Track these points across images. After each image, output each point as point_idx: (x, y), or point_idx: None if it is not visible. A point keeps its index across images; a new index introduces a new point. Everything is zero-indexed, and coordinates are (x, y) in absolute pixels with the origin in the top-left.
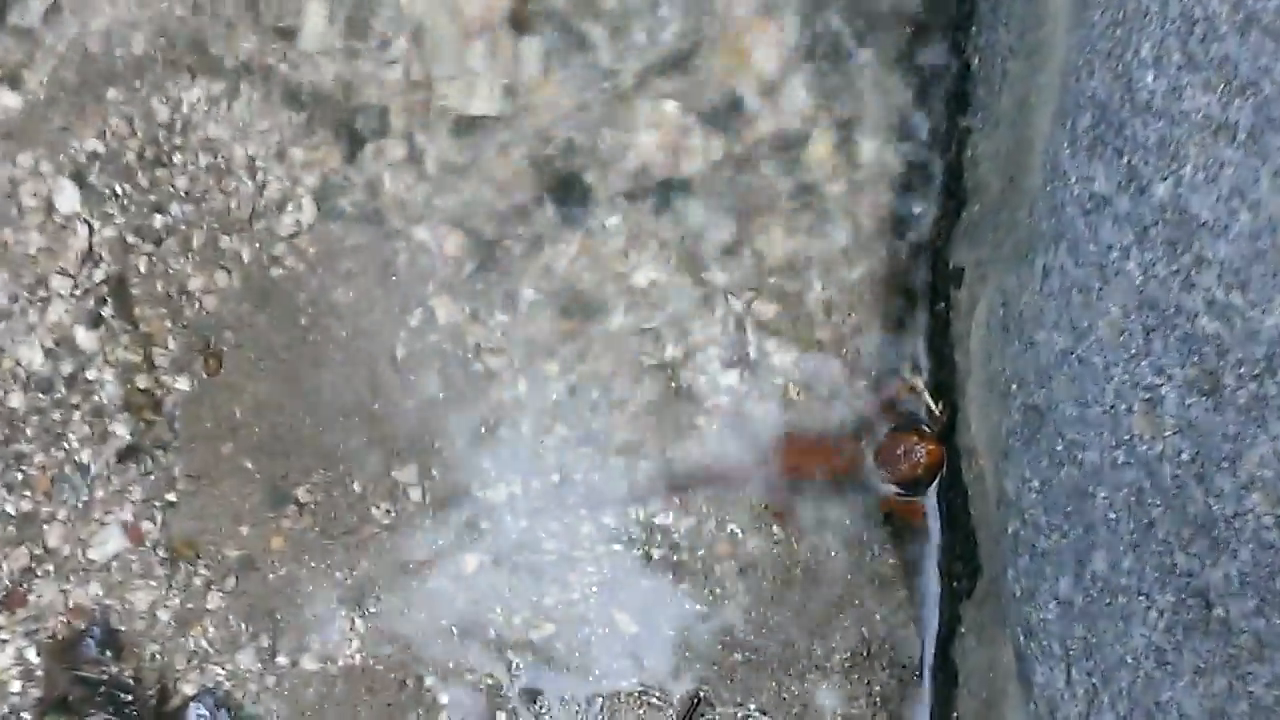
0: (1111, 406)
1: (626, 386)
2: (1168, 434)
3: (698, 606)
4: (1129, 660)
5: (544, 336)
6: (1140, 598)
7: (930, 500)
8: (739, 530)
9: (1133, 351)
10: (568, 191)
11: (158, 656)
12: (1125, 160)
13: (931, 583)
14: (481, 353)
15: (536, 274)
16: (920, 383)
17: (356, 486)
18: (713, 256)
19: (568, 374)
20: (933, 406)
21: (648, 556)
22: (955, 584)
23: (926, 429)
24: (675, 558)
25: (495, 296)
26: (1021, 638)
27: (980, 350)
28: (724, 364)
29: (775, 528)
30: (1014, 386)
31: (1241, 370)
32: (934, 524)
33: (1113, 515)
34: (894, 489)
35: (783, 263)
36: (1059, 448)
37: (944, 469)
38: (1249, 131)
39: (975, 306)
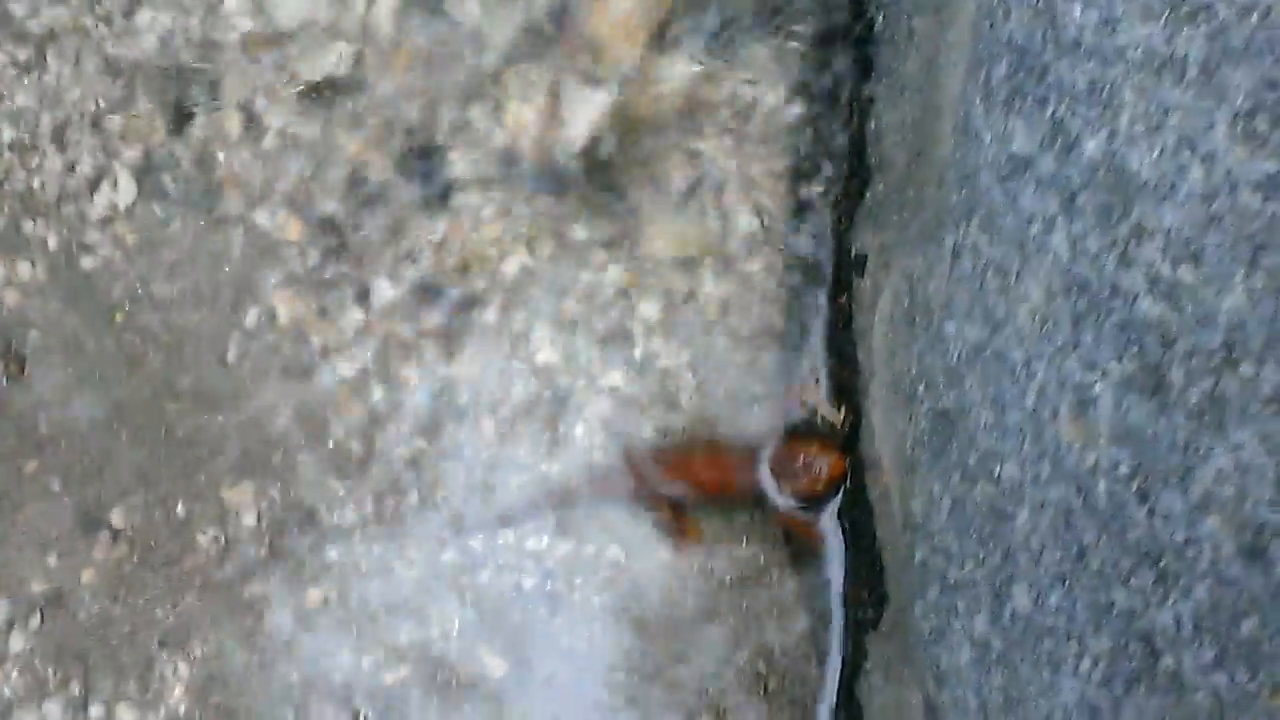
0: (1034, 410)
1: (497, 391)
2: (1102, 443)
3: (577, 644)
4: (1057, 718)
5: (403, 336)
6: (1070, 642)
7: (831, 519)
8: (622, 554)
9: (1059, 343)
10: (430, 169)
11: None
12: (1049, 113)
13: (835, 612)
14: (330, 355)
15: (394, 263)
16: (818, 387)
17: (180, 510)
18: (594, 246)
19: (430, 378)
20: (832, 414)
21: (519, 586)
22: (860, 614)
23: (828, 438)
24: (550, 587)
25: (347, 290)
26: (931, 684)
27: (883, 347)
28: (606, 366)
29: (662, 550)
30: (920, 388)
31: (1192, 363)
32: (836, 545)
33: (1036, 541)
34: (793, 503)
35: (671, 253)
36: (972, 461)
37: (847, 483)
38: (1201, 67)
39: (879, 297)
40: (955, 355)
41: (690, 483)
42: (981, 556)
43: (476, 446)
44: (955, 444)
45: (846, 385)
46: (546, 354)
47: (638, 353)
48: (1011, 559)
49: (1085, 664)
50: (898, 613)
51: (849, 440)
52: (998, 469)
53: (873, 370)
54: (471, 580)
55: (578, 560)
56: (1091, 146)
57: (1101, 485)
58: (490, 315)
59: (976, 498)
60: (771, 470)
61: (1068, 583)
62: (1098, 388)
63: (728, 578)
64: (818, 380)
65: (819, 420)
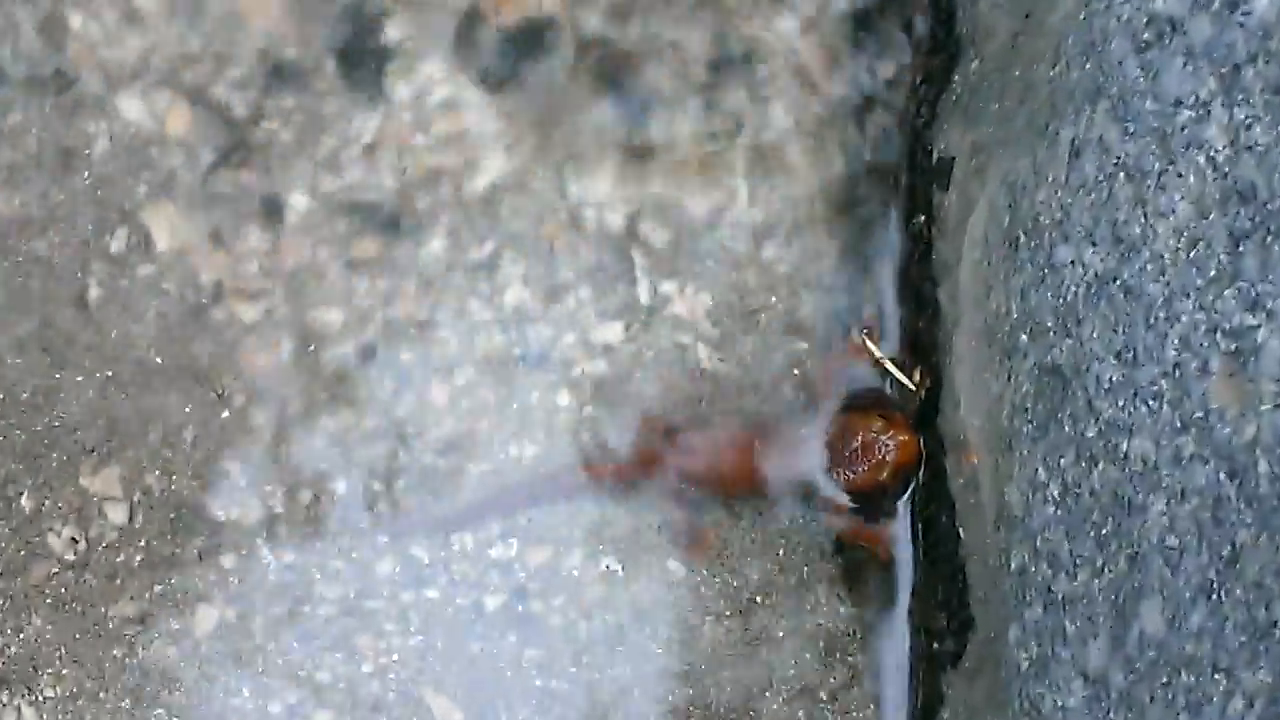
0: (1175, 365)
1: (451, 348)
2: (1265, 409)
3: (554, 683)
4: None
5: (324, 269)
6: (1217, 675)
7: (901, 519)
8: (618, 566)
9: (1211, 274)
10: (362, 44)
11: None
12: None
13: (901, 644)
14: (226, 296)
15: (313, 171)
16: (883, 341)
17: (25, 502)
18: (583, 146)
19: (360, 328)
20: (902, 377)
21: (479, 607)
22: (935, 645)
23: (895, 410)
24: (521, 608)
25: (249, 207)
26: None
27: (974, 283)
28: (599, 314)
29: (674, 562)
30: (1023, 337)
31: None
32: (905, 555)
33: (1173, 541)
34: (848, 501)
35: (685, 159)
36: (1090, 433)
37: (921, 470)
38: None
39: (969, 215)
40: (1071, 291)
41: (710, 473)
42: (1100, 563)
43: (424, 422)
44: (1068, 411)
45: (922, 338)
46: (518, 296)
47: (642, 295)
48: (1141, 565)
49: (1237, 704)
50: (985, 643)
51: (924, 413)
52: (1124, 445)
53: (958, 316)
54: (416, 599)
55: (558, 574)
56: (1264, 4)
57: (1263, 465)
58: (440, 243)
59: (1095, 484)
60: (825, 455)
61: (1215, 596)
62: (1261, 334)
63: (759, 599)
64: (883, 333)
65: (885, 387)
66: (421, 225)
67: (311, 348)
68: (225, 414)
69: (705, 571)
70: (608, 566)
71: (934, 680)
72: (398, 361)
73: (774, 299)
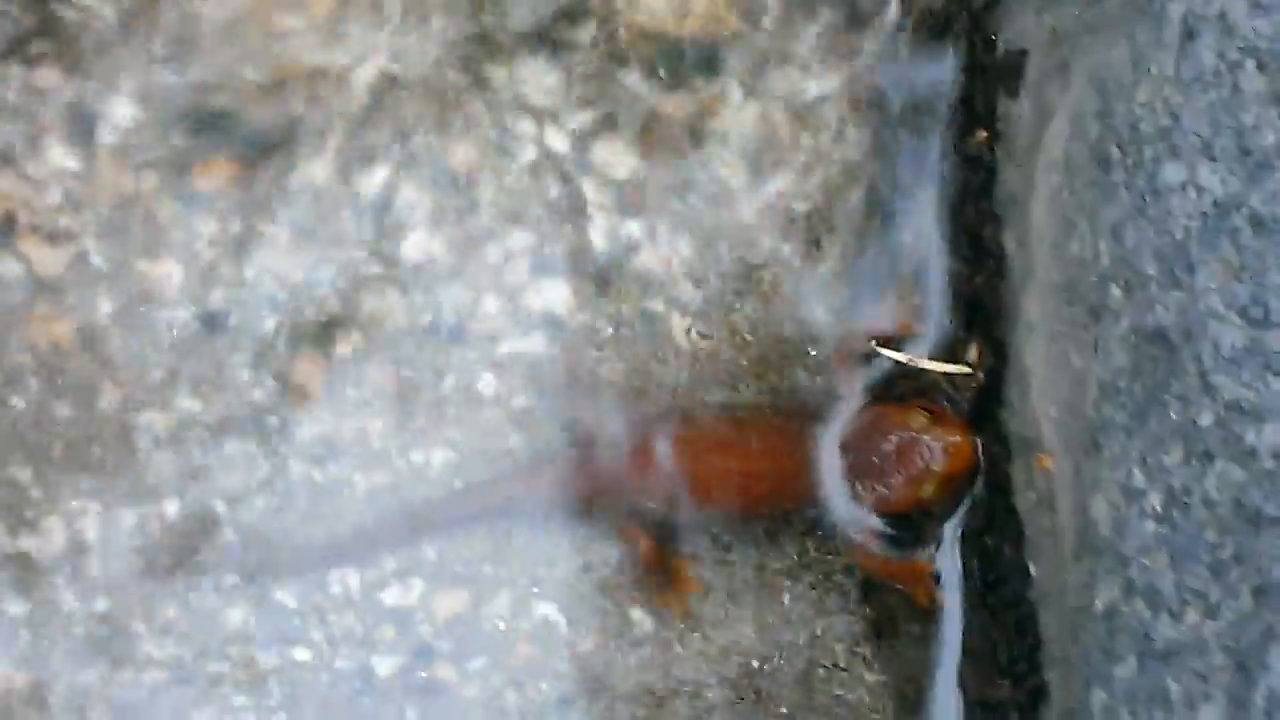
0: None
1: (330, 315)
2: None
3: None
4: None
5: (153, 199)
6: None
7: (948, 551)
8: (559, 617)
9: None
10: None
11: None
12: None
13: (948, 716)
14: (16, 232)
15: (141, 65)
16: (926, 305)
17: None
18: (518, 30)
19: (205, 288)
20: (952, 357)
21: (366, 673)
22: (994, 718)
23: (943, 401)
24: (425, 675)
25: (50, 115)
26: None
27: (1052, 220)
28: (536, 270)
29: (637, 611)
30: (1116, 291)
31: None
32: (954, 601)
33: None
34: (877, 526)
35: (661, 42)
36: (1205, 420)
37: (977, 484)
38: None
39: (1044, 129)
40: (1181, 225)
41: (689, 489)
42: (1216, 599)
43: (292, 416)
44: (1175, 391)
45: (981, 300)
46: (423, 245)
47: (597, 242)
48: (1271, 601)
49: None
50: (1064, 714)
51: (983, 406)
52: (1251, 435)
53: (1029, 268)
54: (280, 662)
55: (477, 628)
56: None
57: None
58: (321, 168)
59: (1211, 490)
60: (842, 463)
61: None
62: None
63: (754, 664)
64: (926, 294)
65: (927, 369)
66: (290, 143)
67: (140, 310)
68: (16, 403)
69: (680, 626)
70: (546, 617)
71: None
72: (256, 332)
73: (781, 249)
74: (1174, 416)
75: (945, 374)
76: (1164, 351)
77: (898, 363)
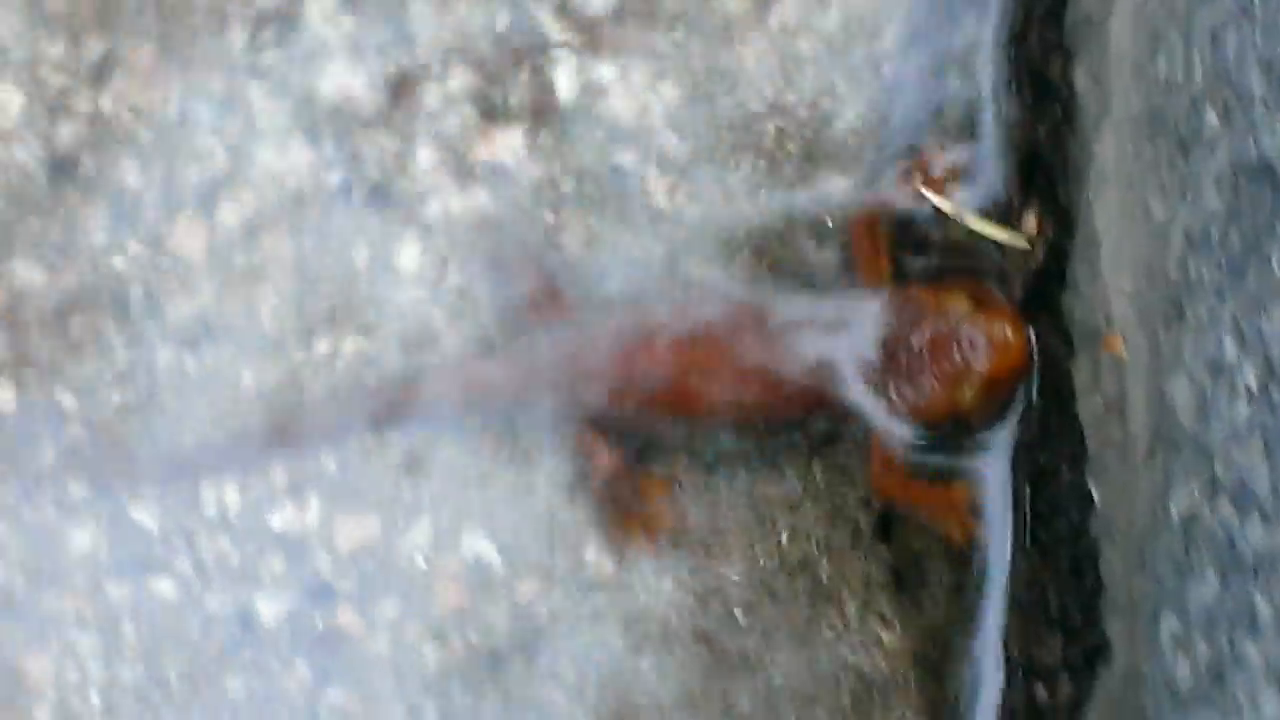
0: None
1: (211, 157)
2: None
3: None
4: None
5: None
6: None
7: (993, 472)
8: (494, 552)
9: None
10: None
11: None
12: None
13: (986, 691)
14: None
15: None
16: (972, 157)
17: None
18: None
19: (62, 112)
20: (999, 233)
21: (246, 615)
22: (1043, 692)
23: (990, 282)
24: (321, 621)
25: None
26: None
27: (1134, 37)
28: (483, 115)
29: (593, 548)
30: (1212, 117)
31: None
32: (999, 537)
33: None
34: (904, 438)
35: None
36: None
37: (1028, 384)
38: None
39: None
40: None
41: (666, 385)
42: None
43: (159, 286)
44: None
45: (1042, 154)
46: (337, 80)
47: (560, 81)
48: None
49: None
50: (1127, 682)
51: (1040, 289)
52: None
53: (1105, 104)
54: (135, 596)
55: (390, 561)
56: None
57: None
58: None
59: None
60: (861, 360)
61: None
62: None
63: (739, 615)
64: (975, 150)
65: (978, 229)
66: None
67: None
68: None
69: (648, 565)
70: (477, 554)
71: None
72: (118, 183)
73: (788, 93)
74: (1277, 270)
75: (998, 243)
76: (1269, 189)
77: (941, 218)
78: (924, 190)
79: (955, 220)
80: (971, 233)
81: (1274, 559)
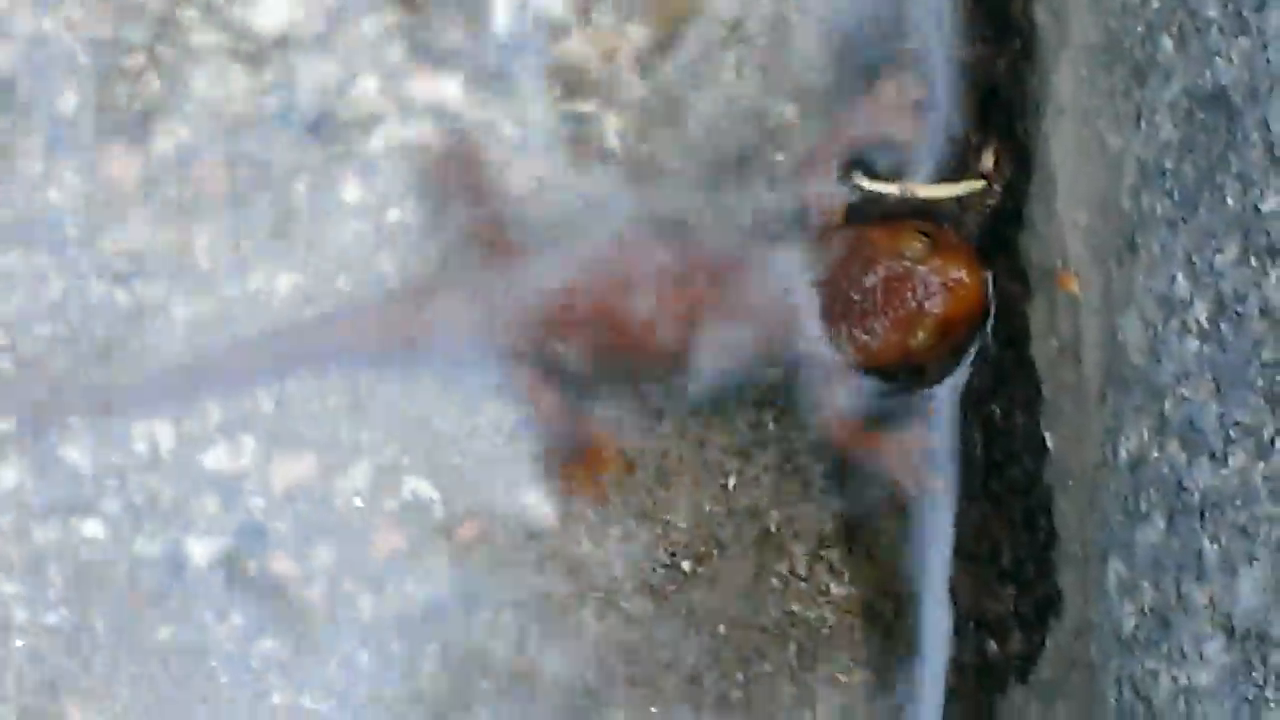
0: None
1: (150, 93)
2: None
3: (308, 704)
4: None
5: None
6: None
7: (944, 419)
8: (434, 494)
9: None
10: None
11: None
12: None
13: (935, 647)
14: None
15: None
16: (925, 87)
17: None
18: None
19: None
20: (958, 185)
21: (176, 559)
22: (993, 645)
23: (945, 221)
24: (255, 567)
25: None
26: None
27: None
28: (421, 52)
29: (534, 495)
30: (1167, 43)
31: None
32: (948, 485)
33: None
34: (855, 384)
35: None
36: (1269, 205)
37: (984, 328)
38: None
39: None
40: None
41: (611, 329)
42: (1271, 433)
43: (92, 217)
44: (1233, 169)
45: (1000, 89)
46: (279, 12)
47: (499, 17)
48: None
49: None
50: (1077, 636)
51: (997, 228)
52: None
53: (1063, 34)
54: (62, 540)
55: (327, 504)
56: None
57: None
58: None
59: (1273, 295)
60: (813, 301)
61: None
62: None
63: (686, 567)
64: (931, 84)
65: (931, 197)
66: None
67: None
68: None
69: (593, 515)
70: (414, 493)
71: (988, 707)
72: (51, 108)
73: (745, 22)
74: (1230, 202)
75: (954, 179)
76: (1222, 118)
77: (887, 197)
78: (865, 184)
79: (904, 196)
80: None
81: (1221, 501)
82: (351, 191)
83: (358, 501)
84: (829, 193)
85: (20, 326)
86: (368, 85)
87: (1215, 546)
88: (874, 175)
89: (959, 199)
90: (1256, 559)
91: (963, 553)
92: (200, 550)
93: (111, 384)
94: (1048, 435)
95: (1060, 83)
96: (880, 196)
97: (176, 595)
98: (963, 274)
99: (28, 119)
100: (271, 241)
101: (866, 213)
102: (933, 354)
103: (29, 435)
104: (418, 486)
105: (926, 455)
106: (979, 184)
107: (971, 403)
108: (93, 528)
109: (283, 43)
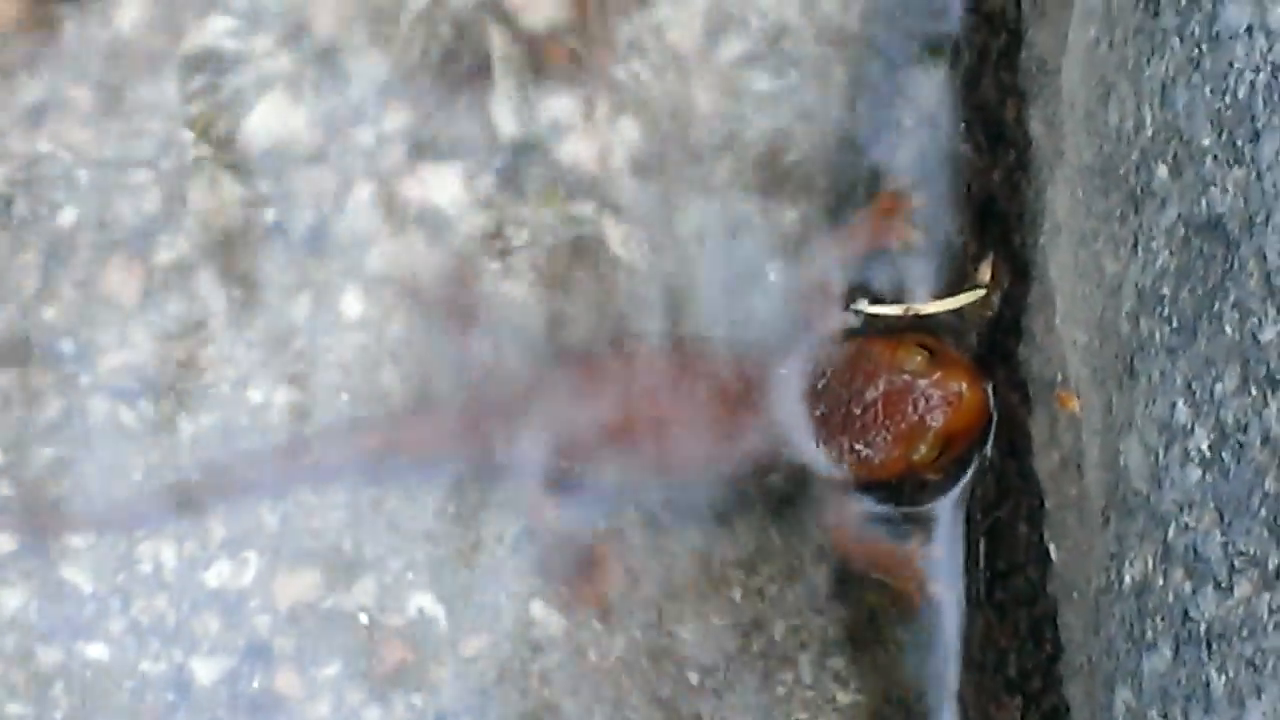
0: None
1: (158, 193)
2: None
3: None
4: None
5: None
6: None
7: (948, 531)
8: (439, 610)
9: None
10: None
11: None
12: None
13: None
14: None
15: None
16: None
17: None
18: None
19: None
20: (958, 298)
21: (181, 678)
22: None
23: (945, 339)
24: (258, 683)
25: None
26: None
27: (1086, 84)
28: (417, 149)
29: (540, 605)
30: (1162, 171)
31: None
32: (953, 596)
33: None
34: (857, 498)
35: None
36: (1268, 335)
37: (986, 440)
38: None
39: None
40: (1246, 81)
41: (612, 445)
42: (1276, 564)
43: (92, 335)
44: (1230, 298)
45: (997, 200)
46: (277, 118)
47: (501, 118)
48: None
49: None
50: None
51: (996, 341)
52: None
53: (1059, 149)
54: (66, 661)
55: (328, 619)
56: None
57: None
58: (135, 9)
59: (1274, 425)
60: (814, 415)
61: None
62: None
63: (694, 678)
64: (929, 194)
65: (931, 313)
66: None
67: None
68: None
69: (598, 626)
70: (422, 611)
71: None
72: (50, 226)
73: (745, 129)
74: (1229, 331)
75: (953, 288)
76: (1219, 246)
77: (888, 316)
78: (867, 309)
79: (907, 316)
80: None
81: (1227, 631)
82: (354, 306)
83: (363, 618)
84: (830, 304)
85: (20, 448)
86: (362, 193)
87: (1223, 678)
88: (876, 299)
89: (959, 311)
90: (1264, 691)
91: (969, 662)
92: (204, 669)
93: (114, 504)
94: (1051, 547)
95: (1056, 199)
96: (880, 297)
97: (182, 714)
98: (963, 387)
99: (24, 233)
100: (272, 356)
101: (867, 326)
102: (934, 467)
103: (32, 558)
104: (423, 601)
105: (930, 564)
106: (978, 294)
107: (974, 512)
108: (97, 649)
109: (274, 153)
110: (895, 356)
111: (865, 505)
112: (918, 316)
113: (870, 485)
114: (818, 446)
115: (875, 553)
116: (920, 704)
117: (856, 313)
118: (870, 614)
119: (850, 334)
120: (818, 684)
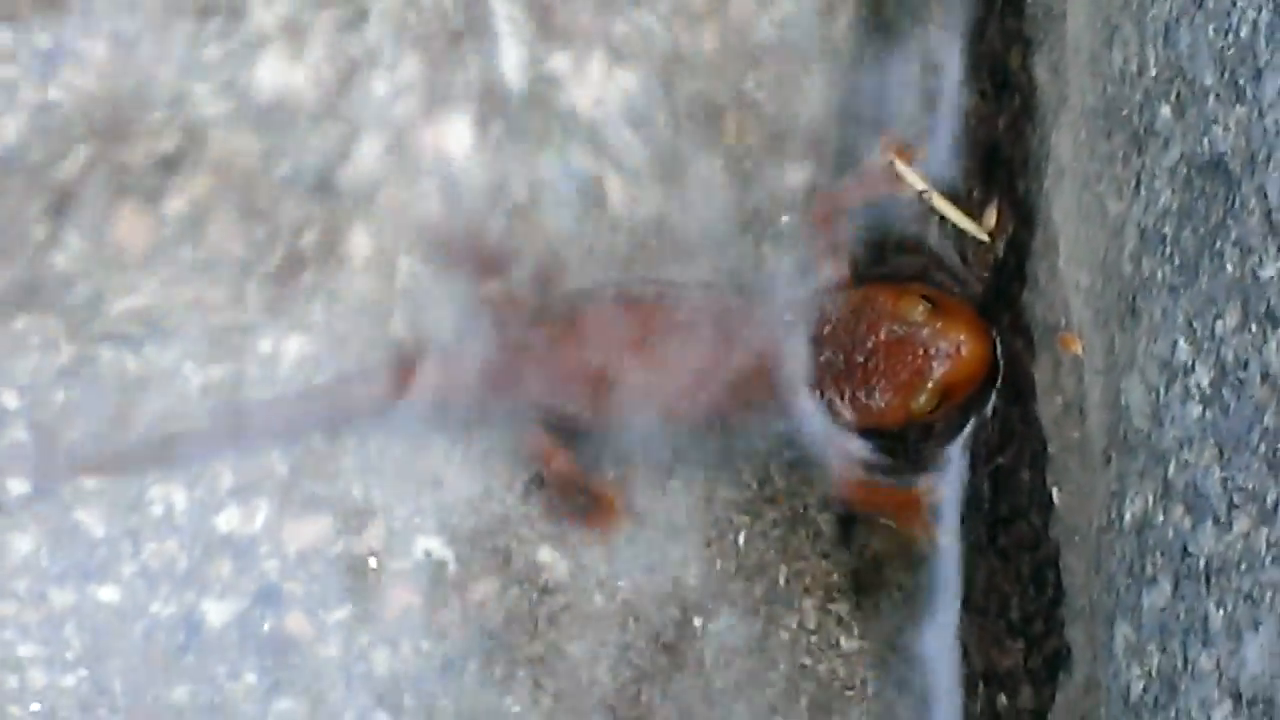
0: None
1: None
2: None
3: None
4: None
5: None
6: None
7: (951, 477)
8: (448, 553)
9: None
10: None
11: None
12: None
13: (945, 699)
14: None
15: None
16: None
17: None
18: None
19: (6, 98)
20: (964, 220)
21: (193, 620)
22: (1003, 699)
23: (951, 284)
24: (269, 626)
25: None
26: None
27: (1090, 28)
28: (432, 100)
29: (548, 550)
30: (1165, 111)
31: None
32: (955, 542)
33: None
34: (860, 446)
35: None
36: (1269, 272)
37: (991, 388)
38: None
39: None
40: (1248, 19)
41: (617, 390)
42: (1275, 499)
43: (102, 281)
44: (1232, 236)
45: (1002, 146)
46: (280, 72)
47: (508, 69)
48: None
49: None
50: (1087, 691)
51: (1001, 288)
52: None
53: (1063, 94)
54: (79, 602)
55: (338, 564)
56: None
57: None
58: None
59: (1274, 361)
60: (818, 363)
61: None
62: None
63: (696, 621)
64: (935, 141)
65: (943, 211)
66: None
67: None
68: None
69: (602, 570)
70: (428, 553)
71: None
72: (60, 170)
73: (749, 83)
74: (1230, 269)
75: (958, 234)
76: (1221, 185)
77: (899, 215)
78: (896, 161)
79: (921, 198)
80: (937, 221)
81: (1225, 566)
82: (364, 249)
83: (371, 563)
84: (834, 251)
85: (33, 392)
86: (374, 142)
87: (1221, 611)
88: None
89: (963, 254)
90: (1262, 624)
91: (972, 607)
92: (215, 611)
93: (125, 449)
94: (1054, 491)
95: (1060, 144)
96: (883, 245)
97: (192, 656)
98: (964, 338)
99: (33, 178)
100: (282, 303)
101: (870, 273)
102: (936, 416)
103: (44, 502)
104: (431, 545)
105: (933, 510)
106: (983, 231)
107: (978, 459)
108: (109, 592)
109: (284, 102)
110: (898, 306)
111: (869, 451)
112: (930, 203)
113: (873, 432)
114: (821, 393)
115: (879, 498)
116: (923, 649)
117: (888, 165)
118: (874, 559)
119: (854, 284)
120: (821, 629)
